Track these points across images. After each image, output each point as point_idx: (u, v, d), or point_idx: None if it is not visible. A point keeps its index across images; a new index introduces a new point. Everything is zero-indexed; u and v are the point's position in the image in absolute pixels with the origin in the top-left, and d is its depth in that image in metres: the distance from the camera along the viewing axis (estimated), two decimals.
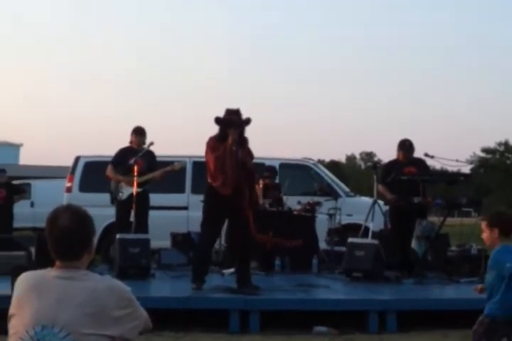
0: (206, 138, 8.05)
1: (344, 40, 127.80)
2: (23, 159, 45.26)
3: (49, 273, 2.73)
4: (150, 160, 9.80)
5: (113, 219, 10.21)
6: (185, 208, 12.27)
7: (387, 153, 29.88)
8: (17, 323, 2.68)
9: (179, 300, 7.46)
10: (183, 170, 11.06)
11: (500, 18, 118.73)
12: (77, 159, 12.65)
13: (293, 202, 11.00)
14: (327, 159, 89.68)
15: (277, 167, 11.99)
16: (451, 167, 10.07)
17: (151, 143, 9.82)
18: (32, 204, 19.47)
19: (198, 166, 11.28)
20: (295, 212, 10.75)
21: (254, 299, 7.51)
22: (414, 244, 10.14)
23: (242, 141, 7.99)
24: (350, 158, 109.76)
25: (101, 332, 2.63)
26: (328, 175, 13.18)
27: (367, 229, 9.90)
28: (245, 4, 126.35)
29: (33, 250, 9.64)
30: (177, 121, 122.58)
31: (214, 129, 8.02)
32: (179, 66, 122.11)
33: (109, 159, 10.17)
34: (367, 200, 11.99)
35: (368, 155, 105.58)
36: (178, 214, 12.13)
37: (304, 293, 8.07)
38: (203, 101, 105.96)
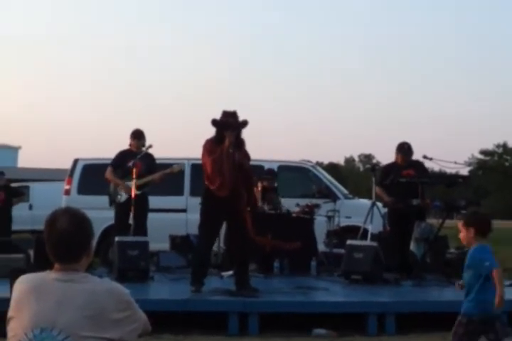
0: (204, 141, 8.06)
1: (344, 40, 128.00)
2: (22, 162, 45.32)
3: (48, 275, 2.73)
4: (149, 163, 9.81)
5: (112, 222, 10.21)
6: (184, 210, 12.27)
7: (386, 155, 29.88)
8: (16, 326, 2.67)
9: (178, 303, 7.45)
10: (181, 172, 11.06)
11: (500, 18, 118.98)
12: (76, 162, 12.65)
13: (291, 205, 11.01)
14: (326, 161, 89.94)
15: (276, 169, 12.00)
16: (450, 169, 10.10)
17: (150, 146, 9.84)
18: (30, 207, 19.47)
19: (197, 169, 11.27)
20: (294, 214, 10.75)
21: (253, 301, 7.50)
22: (412, 246, 10.15)
23: (239, 143, 8.00)
24: (349, 160, 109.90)
25: (100, 334, 2.63)
26: (327, 177, 13.18)
27: (366, 231, 9.90)
28: (245, 4, 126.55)
29: (31, 253, 9.64)
30: (177, 122, 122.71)
31: (212, 131, 8.03)
32: (179, 66, 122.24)
33: (108, 162, 10.18)
34: (365, 202, 11.99)
35: (367, 158, 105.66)
36: (177, 216, 12.13)
37: (302, 296, 8.07)
38: (203, 101, 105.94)
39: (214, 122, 7.97)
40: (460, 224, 4.92)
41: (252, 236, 8.43)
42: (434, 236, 9.72)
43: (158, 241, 10.15)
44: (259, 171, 11.39)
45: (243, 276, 8.07)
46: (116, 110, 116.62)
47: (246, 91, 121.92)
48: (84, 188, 12.36)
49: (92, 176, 12.01)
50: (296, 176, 13.13)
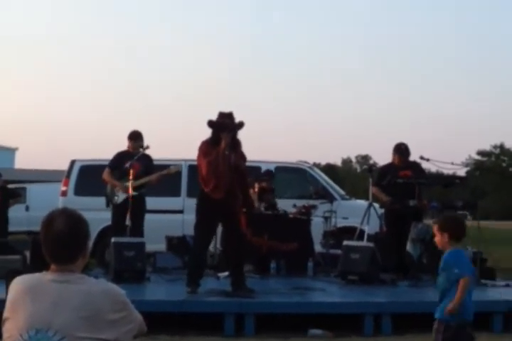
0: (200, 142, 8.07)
1: (344, 40, 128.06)
2: (19, 163, 45.26)
3: (44, 276, 2.73)
4: (147, 164, 9.81)
5: (108, 223, 10.21)
6: (181, 212, 12.27)
7: (383, 157, 29.93)
8: (11, 327, 2.67)
9: (174, 304, 7.45)
10: (178, 173, 11.07)
11: (500, 18, 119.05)
12: (73, 163, 12.66)
13: (288, 205, 11.02)
14: (323, 162, 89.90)
15: (273, 170, 12.00)
16: (447, 170, 10.13)
17: (147, 147, 9.84)
18: (27, 208, 19.45)
19: (194, 170, 11.27)
20: (290, 215, 10.76)
21: (249, 302, 7.51)
22: (409, 247, 10.15)
23: (235, 144, 8.00)
24: (346, 161, 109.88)
25: (96, 335, 2.63)
26: (324, 178, 13.19)
27: (362, 231, 9.91)
28: (245, 4, 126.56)
29: (28, 254, 9.64)
30: (177, 122, 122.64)
31: (208, 132, 8.04)
32: (179, 66, 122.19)
33: (105, 163, 10.19)
34: (362, 203, 11.99)
35: (364, 159, 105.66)
36: (174, 217, 12.13)
37: (299, 296, 8.07)
38: (203, 101, 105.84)
39: (210, 123, 7.97)
40: (435, 228, 4.96)
41: (247, 238, 8.45)
42: (430, 236, 9.70)
43: (154, 242, 10.15)
44: (256, 172, 11.40)
45: (239, 277, 8.08)
46: (116, 110, 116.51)
47: (246, 91, 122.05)
48: (81, 189, 12.36)
49: (88, 177, 12.01)
50: (293, 177, 13.14)
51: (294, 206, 11.01)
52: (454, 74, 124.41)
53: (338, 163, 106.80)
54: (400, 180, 9.64)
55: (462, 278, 4.70)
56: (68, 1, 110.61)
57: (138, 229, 9.49)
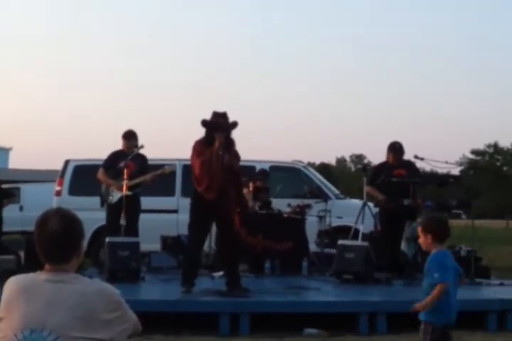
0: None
1: (344, 40, 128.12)
2: (13, 163, 45.18)
3: (38, 276, 2.73)
4: (141, 164, 9.80)
5: (103, 223, 10.20)
6: (175, 211, 12.26)
7: (378, 156, 29.96)
8: (5, 327, 2.66)
9: (169, 304, 7.44)
10: (173, 173, 11.06)
11: (500, 18, 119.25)
12: (67, 163, 12.64)
13: (283, 205, 11.02)
14: (317, 162, 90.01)
15: (267, 170, 12.00)
16: (441, 169, 10.13)
17: (141, 147, 9.84)
18: (21, 208, 19.38)
19: (188, 170, 11.27)
20: (285, 215, 10.76)
21: (244, 301, 7.51)
22: (403, 246, 10.16)
23: (229, 143, 7.99)
24: (341, 161, 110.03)
25: (90, 335, 2.63)
26: (318, 178, 13.19)
27: (357, 231, 9.91)
28: (245, 4, 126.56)
29: (22, 254, 9.62)
30: (177, 122, 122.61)
31: (202, 132, 8.04)
32: (179, 66, 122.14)
33: (99, 163, 10.18)
34: (357, 202, 12.01)
35: (358, 158, 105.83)
36: (168, 217, 12.12)
37: (294, 296, 8.07)
38: (203, 101, 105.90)
39: (204, 123, 7.96)
40: (419, 229, 4.96)
41: (241, 237, 8.44)
42: None
43: (149, 242, 10.14)
44: (251, 171, 11.40)
45: (234, 277, 8.08)
46: (113, 110, 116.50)
47: (246, 91, 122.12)
48: (75, 189, 12.34)
49: (83, 177, 12.00)
50: (287, 176, 13.13)
51: (289, 205, 11.01)
52: (454, 74, 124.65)
53: (333, 162, 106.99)
54: (394, 179, 9.64)
55: (440, 283, 4.71)
56: (68, 1, 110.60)
57: (132, 229, 9.48)
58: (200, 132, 8.04)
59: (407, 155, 10.03)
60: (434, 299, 4.67)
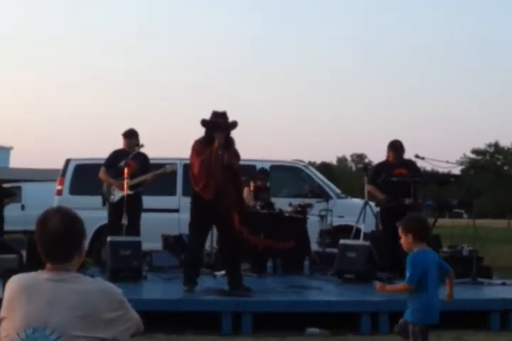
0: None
1: (344, 40, 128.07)
2: (14, 162, 45.19)
3: (40, 275, 2.72)
4: (143, 163, 9.80)
5: (104, 222, 10.20)
6: (177, 210, 12.25)
7: (378, 155, 29.94)
8: (8, 326, 2.66)
9: (171, 303, 7.44)
10: (174, 172, 11.05)
11: (500, 18, 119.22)
12: (68, 162, 12.63)
13: (284, 204, 11.01)
14: (318, 161, 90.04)
15: (268, 169, 11.99)
16: (442, 168, 10.09)
17: (142, 145, 9.83)
18: (23, 207, 19.42)
19: (189, 169, 11.28)
20: (286, 214, 10.75)
21: (246, 301, 7.50)
22: None
23: (229, 143, 7.98)
24: (341, 160, 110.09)
25: (92, 334, 2.62)
26: (319, 177, 13.18)
27: (358, 230, 9.89)
28: (245, 4, 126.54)
29: (24, 253, 9.61)
30: (177, 122, 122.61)
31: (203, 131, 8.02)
32: (179, 66, 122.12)
33: (100, 162, 10.17)
34: (358, 202, 12.00)
35: (359, 157, 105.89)
36: (170, 216, 12.11)
37: (296, 295, 8.07)
38: (203, 101, 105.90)
39: (203, 122, 7.95)
40: (399, 229, 4.97)
41: (242, 236, 8.43)
42: None
43: (150, 241, 10.13)
44: (251, 171, 11.39)
45: (236, 276, 8.07)
46: (113, 109, 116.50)
47: (246, 91, 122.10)
48: (76, 188, 12.33)
49: (84, 176, 12.00)
50: (288, 176, 13.13)
51: (290, 205, 11.00)
52: (449, 76, 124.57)
53: (334, 161, 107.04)
54: (395, 179, 9.63)
55: (407, 283, 4.84)
56: (69, 1, 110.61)
57: (134, 228, 9.47)
58: (200, 132, 8.03)
59: (408, 155, 10.03)
60: (393, 292, 5.09)
